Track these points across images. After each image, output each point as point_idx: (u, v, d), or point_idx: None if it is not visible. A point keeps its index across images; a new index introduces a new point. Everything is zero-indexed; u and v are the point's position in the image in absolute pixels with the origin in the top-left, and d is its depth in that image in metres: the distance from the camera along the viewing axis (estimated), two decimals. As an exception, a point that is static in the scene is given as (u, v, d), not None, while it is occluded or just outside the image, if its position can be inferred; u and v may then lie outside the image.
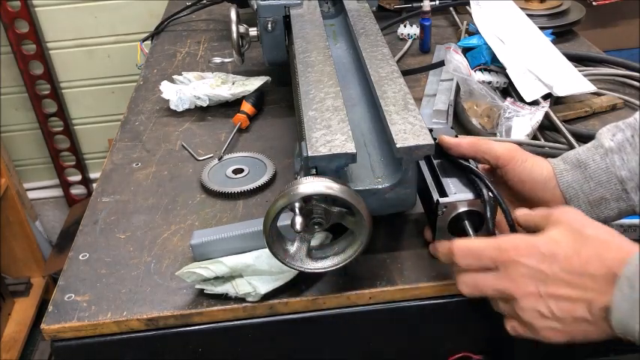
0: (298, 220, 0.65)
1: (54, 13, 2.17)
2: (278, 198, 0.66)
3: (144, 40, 1.54)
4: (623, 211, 0.74)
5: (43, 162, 2.48)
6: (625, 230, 0.83)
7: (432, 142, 0.70)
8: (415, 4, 1.52)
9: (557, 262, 0.61)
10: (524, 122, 1.02)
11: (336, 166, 0.70)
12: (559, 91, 1.09)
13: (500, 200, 0.70)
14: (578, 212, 0.66)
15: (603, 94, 1.14)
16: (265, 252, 0.72)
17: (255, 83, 1.18)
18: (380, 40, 0.97)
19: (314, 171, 0.70)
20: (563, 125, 1.03)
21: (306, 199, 0.67)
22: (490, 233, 0.70)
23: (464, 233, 0.71)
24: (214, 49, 1.46)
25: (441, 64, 1.18)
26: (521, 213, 0.70)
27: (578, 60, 1.24)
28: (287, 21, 1.11)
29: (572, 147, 0.97)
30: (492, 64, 1.17)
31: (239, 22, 1.12)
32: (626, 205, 0.73)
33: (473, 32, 1.34)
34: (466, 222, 0.72)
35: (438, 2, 1.48)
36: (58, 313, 0.74)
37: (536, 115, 1.03)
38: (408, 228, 0.84)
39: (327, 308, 0.75)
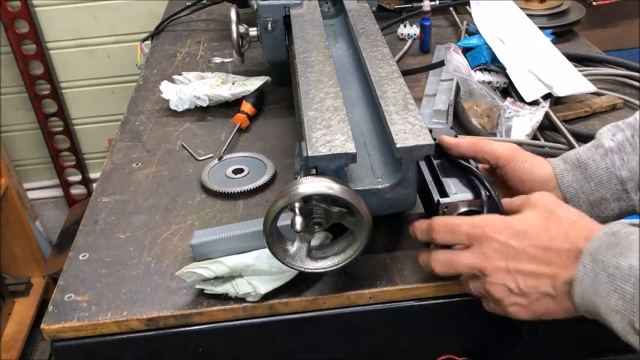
0: (298, 220, 0.65)
1: (54, 13, 2.17)
2: (278, 198, 0.66)
3: (144, 40, 1.54)
4: (623, 211, 0.74)
5: (43, 162, 2.48)
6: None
7: (432, 142, 0.70)
8: (415, 4, 1.51)
9: (526, 238, 0.63)
10: (524, 122, 1.02)
11: (336, 166, 0.70)
12: (559, 91, 1.08)
13: (497, 201, 0.70)
14: (554, 196, 0.68)
15: (603, 94, 1.14)
16: (265, 252, 0.72)
17: (255, 83, 1.18)
18: (380, 40, 0.97)
19: (314, 171, 0.70)
20: (563, 125, 1.03)
21: (306, 199, 0.66)
22: None
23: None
24: (214, 49, 1.46)
25: (441, 64, 1.18)
26: (505, 201, 0.71)
27: (578, 60, 1.24)
28: (287, 21, 1.11)
29: (572, 147, 0.97)
30: (492, 64, 1.17)
31: (239, 22, 1.12)
32: (627, 205, 0.74)
33: (473, 32, 1.34)
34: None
35: (438, 2, 1.48)
36: (58, 313, 0.74)
37: (536, 115, 1.03)
38: (407, 228, 0.84)
39: (327, 308, 0.75)
